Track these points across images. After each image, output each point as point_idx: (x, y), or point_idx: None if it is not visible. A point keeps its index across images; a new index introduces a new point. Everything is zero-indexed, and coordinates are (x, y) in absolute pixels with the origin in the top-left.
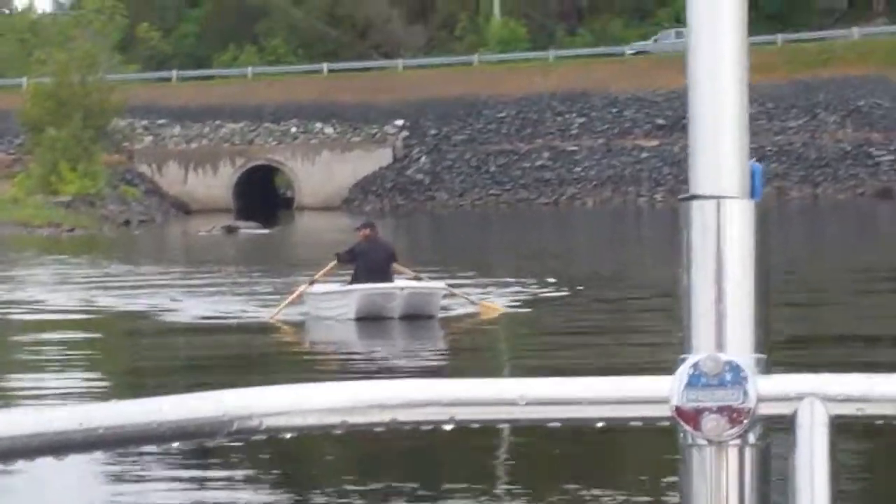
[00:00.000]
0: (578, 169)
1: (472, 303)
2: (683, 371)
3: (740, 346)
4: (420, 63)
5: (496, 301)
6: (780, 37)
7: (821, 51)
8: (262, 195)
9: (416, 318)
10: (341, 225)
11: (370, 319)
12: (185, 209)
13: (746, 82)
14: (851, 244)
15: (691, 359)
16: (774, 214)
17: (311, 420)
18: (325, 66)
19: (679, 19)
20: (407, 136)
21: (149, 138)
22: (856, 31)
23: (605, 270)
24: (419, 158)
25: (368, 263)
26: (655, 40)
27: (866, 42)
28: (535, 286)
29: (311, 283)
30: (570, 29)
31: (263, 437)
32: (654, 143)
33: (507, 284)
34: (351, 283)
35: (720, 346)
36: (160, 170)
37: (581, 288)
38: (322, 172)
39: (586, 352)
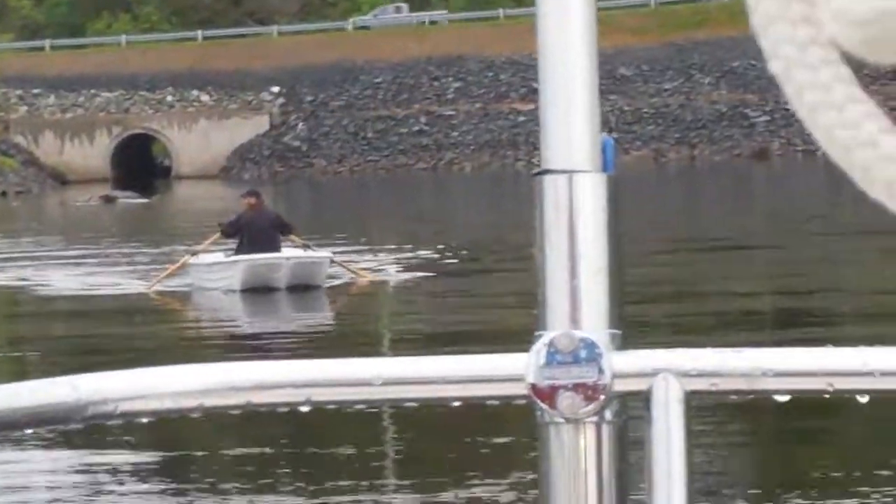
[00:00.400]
0: (456, 134)
1: (353, 272)
2: (538, 348)
3: (595, 322)
4: (295, 29)
5: (385, 269)
6: None
7: (694, 12)
8: (140, 164)
9: (303, 288)
10: (219, 193)
11: (256, 290)
12: (62, 179)
13: (596, 55)
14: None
15: (546, 336)
16: (652, 177)
17: (168, 404)
18: (199, 33)
19: None
20: (283, 103)
21: (23, 108)
22: None
23: (488, 236)
24: (296, 125)
25: (253, 233)
26: (375, 16)
27: (740, 2)
28: (423, 253)
29: (194, 253)
30: None
31: (119, 421)
32: (531, 106)
33: (395, 251)
34: (236, 253)
35: (575, 322)
36: (36, 140)
37: (466, 252)
38: (199, 141)
39: (473, 318)
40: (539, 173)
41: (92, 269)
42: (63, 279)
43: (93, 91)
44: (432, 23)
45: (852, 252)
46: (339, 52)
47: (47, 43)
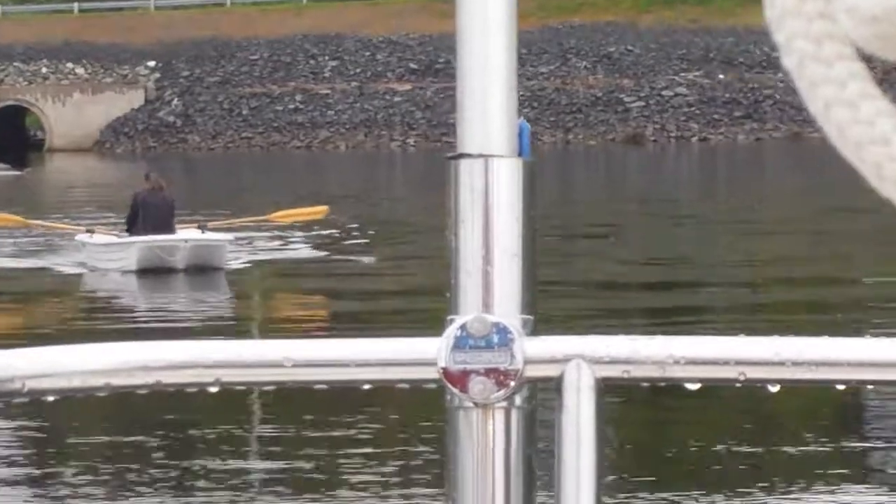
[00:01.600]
0: (331, 112)
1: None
2: (451, 333)
3: (508, 307)
4: (172, 3)
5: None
6: None
7: None
8: (13, 137)
9: (202, 270)
10: (92, 167)
11: (153, 272)
12: None
13: (515, 40)
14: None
15: (459, 320)
16: None
17: (76, 382)
18: (75, 5)
19: None
20: (159, 78)
21: None
22: None
23: (377, 214)
24: (171, 101)
25: (148, 214)
26: None
27: None
28: (322, 231)
29: (89, 231)
30: None
31: (26, 399)
32: (407, 87)
33: (289, 229)
34: (130, 234)
35: (487, 307)
36: None
37: (372, 233)
38: (73, 114)
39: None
40: (454, 157)
41: None
42: None
43: None
44: (310, 1)
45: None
46: (216, 27)
47: None
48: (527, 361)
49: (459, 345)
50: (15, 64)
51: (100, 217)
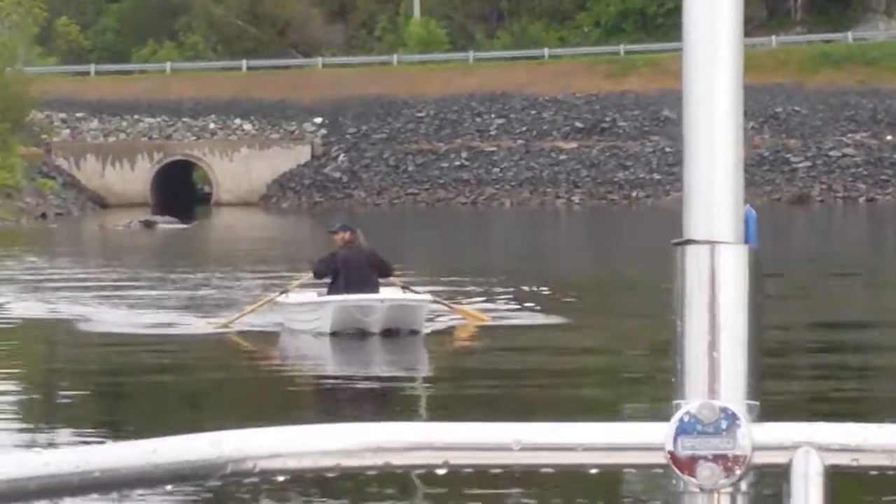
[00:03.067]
0: (497, 170)
1: (452, 309)
2: (678, 418)
3: (733, 393)
4: (339, 62)
5: (496, 309)
6: None
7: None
8: (180, 190)
9: (398, 333)
10: (258, 221)
11: (348, 335)
12: (102, 203)
13: (741, 128)
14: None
15: (686, 405)
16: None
17: (306, 463)
18: (244, 62)
19: (600, 22)
20: (326, 134)
21: (66, 131)
22: (774, 40)
23: (592, 277)
24: (337, 156)
25: (349, 273)
26: None
27: (785, 52)
28: (519, 292)
29: (283, 292)
30: (490, 31)
31: (256, 479)
32: (573, 145)
33: (485, 286)
34: (328, 293)
35: (713, 392)
36: (77, 163)
37: (574, 299)
38: (240, 168)
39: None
40: (680, 243)
41: (140, 301)
42: (113, 314)
43: (136, 116)
44: (477, 60)
45: None
46: (383, 85)
47: (92, 68)
48: (755, 448)
49: (687, 430)
50: (184, 119)
51: (269, 272)
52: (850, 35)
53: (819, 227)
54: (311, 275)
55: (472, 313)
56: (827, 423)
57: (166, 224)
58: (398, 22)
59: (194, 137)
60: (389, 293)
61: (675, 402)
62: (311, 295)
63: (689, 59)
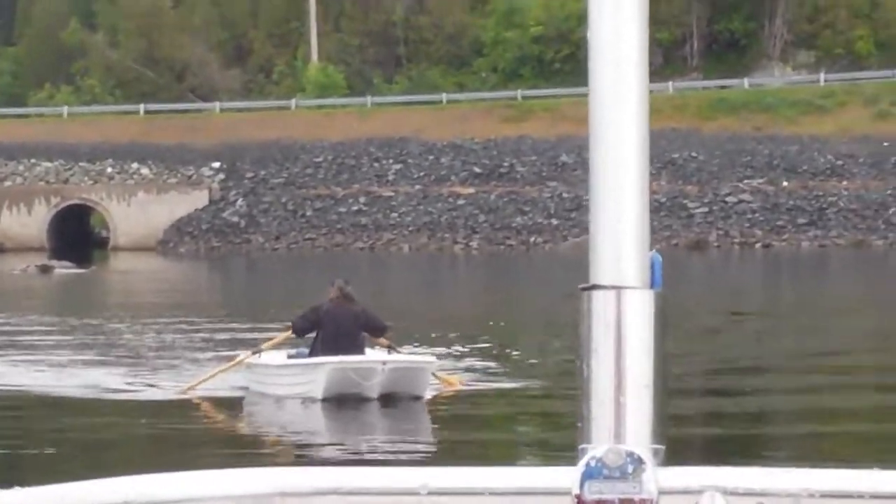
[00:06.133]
0: (395, 214)
1: (438, 378)
2: (585, 462)
3: (639, 437)
4: (237, 106)
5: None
6: None
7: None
8: (77, 235)
9: (397, 398)
10: (156, 266)
11: (340, 400)
12: None
13: (647, 175)
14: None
15: (592, 450)
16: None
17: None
18: (141, 107)
19: (497, 68)
20: (223, 179)
21: None
22: (670, 86)
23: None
24: (235, 201)
25: (335, 331)
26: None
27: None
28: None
29: (256, 352)
30: (388, 76)
31: None
32: (471, 190)
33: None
34: (310, 353)
35: (619, 436)
36: None
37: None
38: (138, 213)
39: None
40: (587, 288)
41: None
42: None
43: (33, 160)
44: (375, 105)
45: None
46: (281, 130)
47: None
48: (661, 492)
49: (594, 475)
50: (81, 164)
51: (176, 318)
52: (746, 81)
53: (716, 272)
54: (289, 333)
55: (448, 379)
56: (731, 467)
57: (63, 269)
58: (296, 66)
59: (91, 181)
60: (380, 355)
61: (582, 446)
62: (282, 356)
63: (594, 107)
